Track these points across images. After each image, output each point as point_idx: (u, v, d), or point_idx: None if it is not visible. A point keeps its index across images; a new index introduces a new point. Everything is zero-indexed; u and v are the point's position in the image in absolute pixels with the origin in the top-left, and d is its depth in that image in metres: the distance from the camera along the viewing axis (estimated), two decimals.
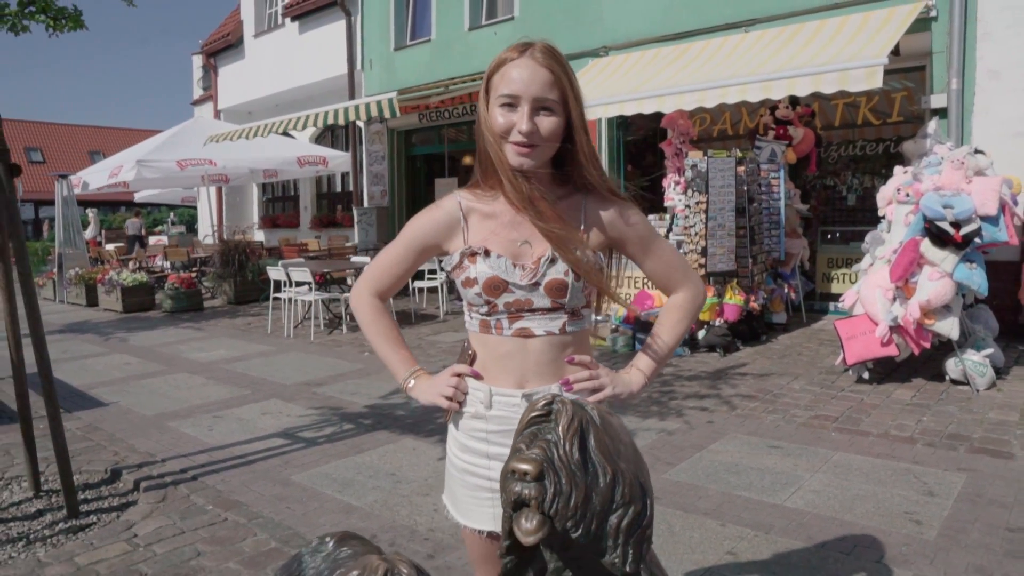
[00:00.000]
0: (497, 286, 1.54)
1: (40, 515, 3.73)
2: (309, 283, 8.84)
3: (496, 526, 1.58)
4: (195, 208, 23.47)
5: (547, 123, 1.48)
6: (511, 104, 1.47)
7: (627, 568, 0.97)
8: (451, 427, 1.69)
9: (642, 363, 1.68)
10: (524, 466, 0.92)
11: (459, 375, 1.62)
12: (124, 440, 4.94)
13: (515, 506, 0.95)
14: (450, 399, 1.61)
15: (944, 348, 5.90)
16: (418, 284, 10.11)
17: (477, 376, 1.61)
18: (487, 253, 1.56)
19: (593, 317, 1.68)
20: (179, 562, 3.19)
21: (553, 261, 1.53)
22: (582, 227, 1.60)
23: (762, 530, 3.37)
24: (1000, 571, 2.95)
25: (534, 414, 1.00)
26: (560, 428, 0.96)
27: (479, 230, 1.59)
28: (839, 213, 9.52)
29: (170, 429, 5.19)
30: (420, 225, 1.65)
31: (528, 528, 0.92)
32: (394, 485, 4.02)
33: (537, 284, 1.54)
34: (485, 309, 1.58)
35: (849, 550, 3.16)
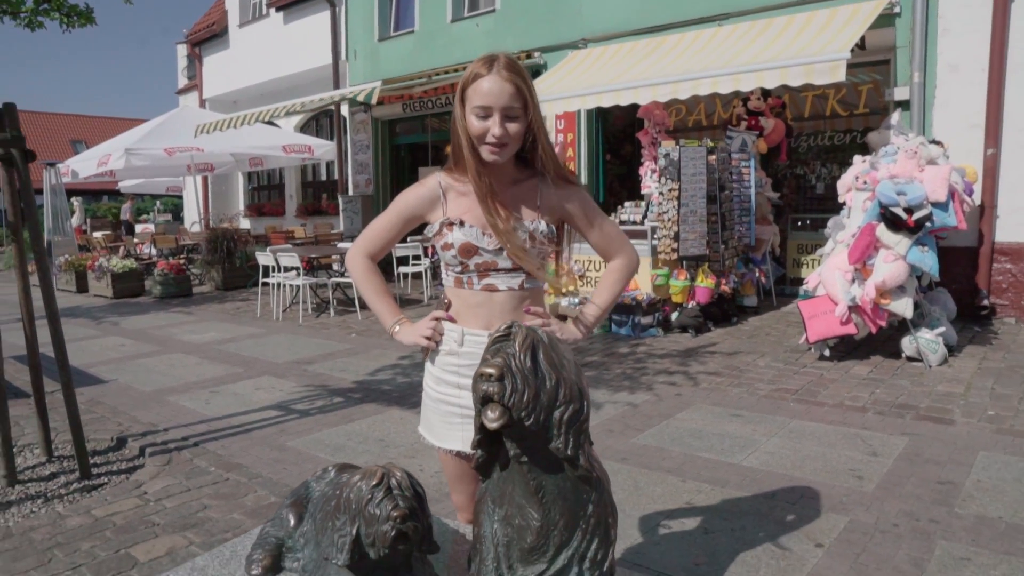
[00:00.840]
0: (469, 250, 1.89)
1: (54, 477, 4.01)
2: (297, 268, 9.11)
3: (464, 447, 1.95)
4: (180, 197, 23.58)
5: (514, 127, 1.82)
6: (484, 115, 1.81)
7: (568, 452, 1.29)
8: (428, 365, 2.03)
9: (585, 315, 2.02)
10: (489, 369, 1.23)
11: (437, 319, 1.94)
12: (126, 412, 5.23)
13: (482, 402, 1.26)
14: (429, 339, 1.93)
15: (903, 328, 6.27)
16: (403, 270, 10.39)
17: (452, 319, 1.94)
18: (462, 223, 1.91)
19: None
20: (188, 514, 3.49)
21: (513, 231, 1.87)
22: (538, 204, 1.94)
23: (719, 484, 3.71)
24: (926, 516, 3.31)
25: (497, 335, 1.31)
26: (516, 343, 1.27)
27: (456, 205, 1.95)
28: (809, 201, 9.90)
29: (169, 403, 5.47)
30: (408, 199, 1.99)
31: (492, 417, 1.23)
32: (383, 449, 4.34)
33: (501, 249, 1.89)
34: (459, 268, 1.93)
35: (795, 500, 3.51)
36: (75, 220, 19.45)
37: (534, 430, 1.27)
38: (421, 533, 1.62)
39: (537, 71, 10.98)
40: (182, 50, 20.99)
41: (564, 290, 8.35)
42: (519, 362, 1.26)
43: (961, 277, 7.78)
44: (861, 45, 8.12)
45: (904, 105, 8.05)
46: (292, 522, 1.99)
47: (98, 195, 34.05)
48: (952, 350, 6.29)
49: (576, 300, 7.93)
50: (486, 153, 1.84)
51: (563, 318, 7.94)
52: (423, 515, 1.64)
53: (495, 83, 1.79)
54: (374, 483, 1.61)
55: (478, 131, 1.82)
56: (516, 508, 1.37)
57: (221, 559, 2.00)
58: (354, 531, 1.60)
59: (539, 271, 1.93)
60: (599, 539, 1.39)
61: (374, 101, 10.23)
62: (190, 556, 3.06)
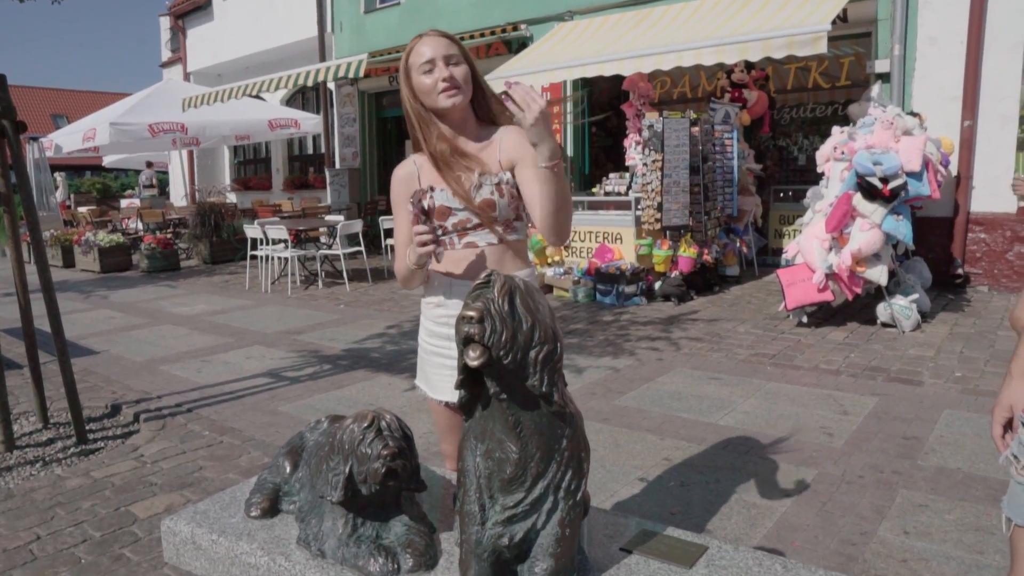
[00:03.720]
0: (444, 212, 2.00)
1: (51, 442, 4.12)
2: (285, 241, 9.18)
3: (453, 397, 2.02)
4: (166, 172, 23.45)
5: (459, 70, 1.96)
6: (430, 68, 1.94)
7: (543, 389, 1.41)
8: (423, 319, 2.14)
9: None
10: (470, 312, 1.35)
11: (420, 232, 1.92)
12: (119, 381, 5.33)
13: (464, 342, 1.38)
14: (424, 244, 1.90)
15: (878, 295, 6.44)
16: (390, 242, 10.47)
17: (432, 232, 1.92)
18: (433, 189, 2.02)
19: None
20: (184, 474, 3.62)
21: (480, 186, 1.97)
22: (499, 157, 2.02)
23: (695, 442, 3.87)
24: (890, 468, 3.48)
25: (478, 283, 1.42)
26: (495, 289, 1.38)
27: (428, 174, 2.06)
28: (791, 172, 10.02)
29: (161, 372, 5.58)
30: (396, 189, 2.11)
31: (473, 356, 1.36)
32: None
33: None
34: (440, 231, 2.00)
35: (768, 455, 3.68)
36: (59, 195, 19.34)
37: (512, 368, 1.40)
38: (409, 471, 1.75)
39: (524, 43, 11.00)
40: (165, 22, 20.76)
41: (549, 260, 8.48)
42: (498, 306, 1.38)
43: (937, 246, 7.96)
44: (843, 18, 8.20)
45: (884, 77, 8.16)
46: (288, 469, 2.11)
47: (81, 170, 33.76)
48: (925, 316, 6.47)
49: (561, 270, 8.06)
50: (444, 100, 1.95)
51: (548, 288, 8.08)
52: (411, 455, 1.77)
53: (429, 40, 1.96)
54: (366, 425, 1.74)
55: (428, 85, 1.95)
56: (496, 443, 1.50)
57: (221, 503, 2.12)
58: (347, 469, 1.73)
59: (507, 227, 2.01)
60: (572, 470, 1.52)
61: (361, 74, 10.26)
62: None
